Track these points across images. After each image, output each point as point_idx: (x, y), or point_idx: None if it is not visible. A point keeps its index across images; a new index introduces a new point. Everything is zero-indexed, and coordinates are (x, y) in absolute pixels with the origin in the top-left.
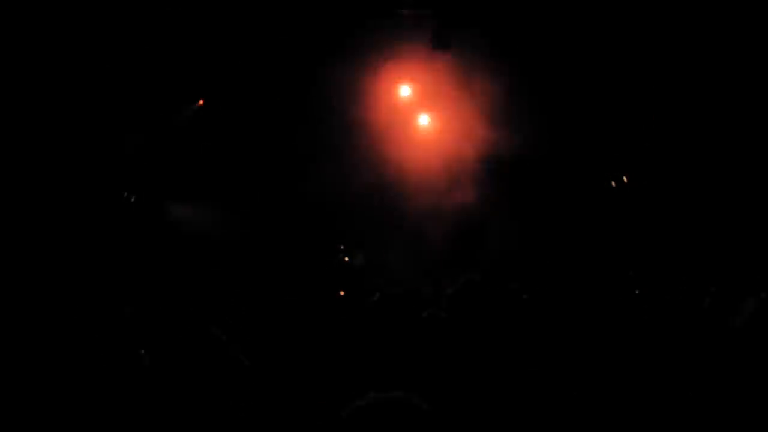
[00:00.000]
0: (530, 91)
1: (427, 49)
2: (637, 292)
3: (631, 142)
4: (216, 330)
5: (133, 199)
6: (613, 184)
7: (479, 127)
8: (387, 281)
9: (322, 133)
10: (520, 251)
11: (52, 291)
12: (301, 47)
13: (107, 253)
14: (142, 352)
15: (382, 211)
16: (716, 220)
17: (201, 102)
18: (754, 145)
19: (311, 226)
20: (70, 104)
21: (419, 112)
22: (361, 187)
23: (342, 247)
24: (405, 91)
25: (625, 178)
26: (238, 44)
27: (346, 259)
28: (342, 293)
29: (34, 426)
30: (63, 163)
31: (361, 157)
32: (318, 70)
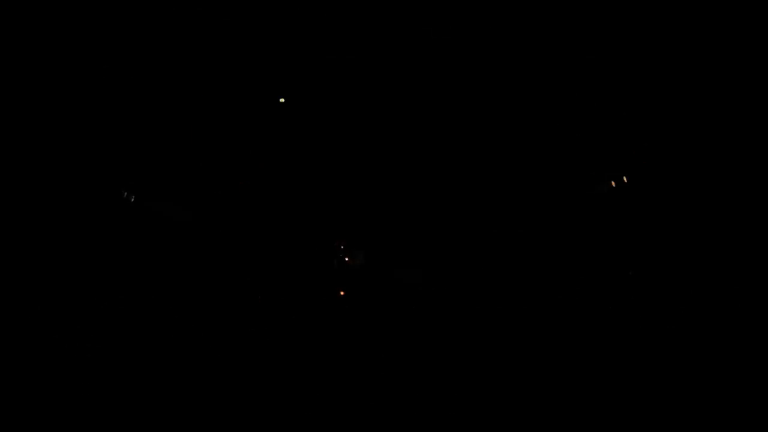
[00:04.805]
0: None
1: None
2: (635, 290)
3: (631, 143)
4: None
5: (133, 199)
6: (613, 184)
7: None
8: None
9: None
10: (519, 250)
11: (52, 292)
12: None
13: (107, 253)
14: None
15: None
16: (716, 221)
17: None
18: (754, 145)
19: (311, 225)
20: (70, 104)
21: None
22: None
23: (342, 247)
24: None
25: (625, 178)
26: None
27: (347, 259)
28: (342, 293)
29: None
30: (63, 163)
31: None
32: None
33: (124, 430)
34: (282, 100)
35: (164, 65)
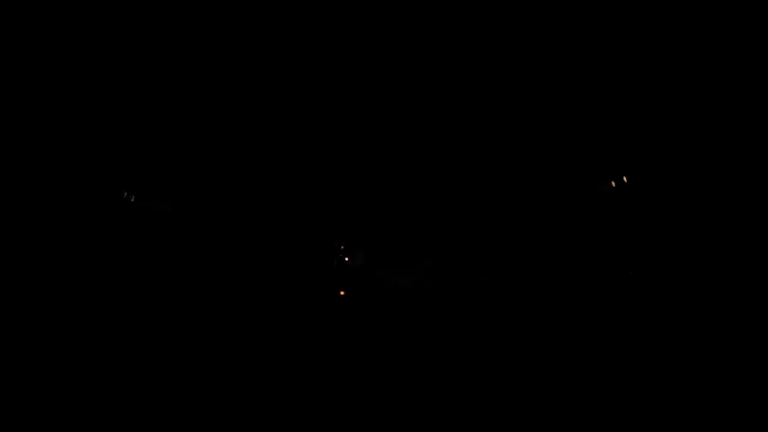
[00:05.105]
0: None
1: None
2: (635, 290)
3: (631, 143)
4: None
5: (133, 199)
6: (613, 184)
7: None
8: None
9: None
10: (519, 251)
11: (52, 292)
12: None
13: (107, 253)
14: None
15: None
16: (717, 220)
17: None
18: (755, 145)
19: (311, 225)
20: (70, 104)
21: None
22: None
23: (342, 247)
24: None
25: (625, 178)
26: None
27: (347, 259)
28: (342, 293)
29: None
30: (63, 163)
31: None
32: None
33: (124, 430)
34: (281, 99)
35: (163, 66)
